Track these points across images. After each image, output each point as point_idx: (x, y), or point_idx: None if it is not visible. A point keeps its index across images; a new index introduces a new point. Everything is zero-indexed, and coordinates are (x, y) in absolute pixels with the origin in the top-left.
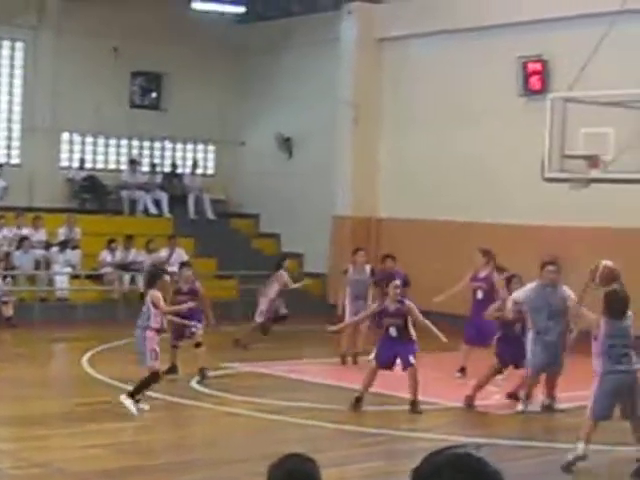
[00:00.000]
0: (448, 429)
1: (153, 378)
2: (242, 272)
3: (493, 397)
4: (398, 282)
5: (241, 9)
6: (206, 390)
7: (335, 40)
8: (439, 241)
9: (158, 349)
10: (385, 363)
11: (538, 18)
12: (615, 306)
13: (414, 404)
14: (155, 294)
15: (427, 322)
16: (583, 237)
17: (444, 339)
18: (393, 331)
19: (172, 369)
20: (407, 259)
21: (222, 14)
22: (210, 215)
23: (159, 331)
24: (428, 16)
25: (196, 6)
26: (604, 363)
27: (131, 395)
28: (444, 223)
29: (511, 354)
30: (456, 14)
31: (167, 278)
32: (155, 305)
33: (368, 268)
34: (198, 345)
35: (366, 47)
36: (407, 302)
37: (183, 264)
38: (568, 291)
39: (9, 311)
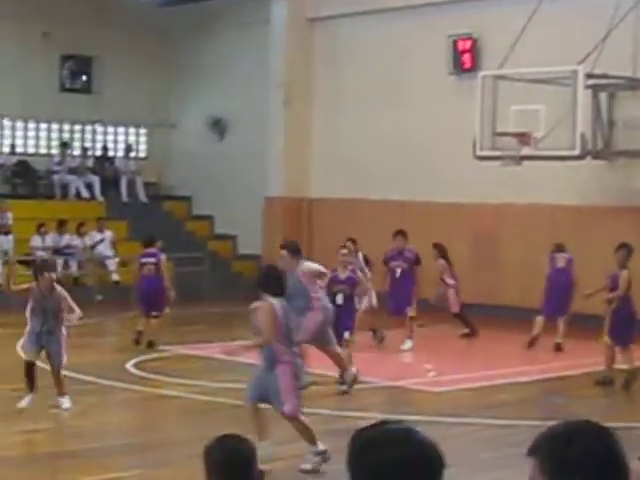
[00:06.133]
0: (382, 407)
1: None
2: (175, 254)
3: (427, 375)
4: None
5: None
6: (140, 373)
7: (265, 21)
8: (372, 220)
9: None
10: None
11: None
12: None
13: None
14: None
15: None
16: (518, 214)
17: None
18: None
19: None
20: (339, 239)
21: None
22: (143, 198)
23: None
24: None
25: None
26: None
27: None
28: (377, 202)
29: None
30: None
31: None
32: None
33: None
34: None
35: (297, 27)
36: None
37: None
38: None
39: None
